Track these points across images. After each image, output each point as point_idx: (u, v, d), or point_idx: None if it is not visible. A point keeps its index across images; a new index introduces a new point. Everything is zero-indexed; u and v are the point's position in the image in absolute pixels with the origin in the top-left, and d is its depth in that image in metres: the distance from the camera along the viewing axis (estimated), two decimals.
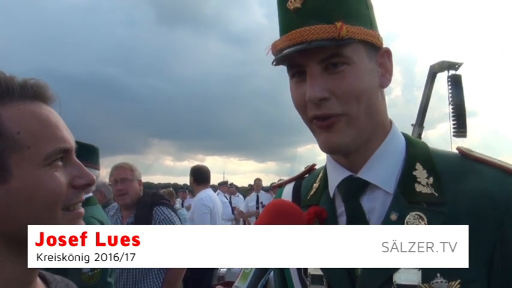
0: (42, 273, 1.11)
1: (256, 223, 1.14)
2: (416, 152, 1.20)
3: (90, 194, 3.12)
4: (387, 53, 1.20)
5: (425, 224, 1.07)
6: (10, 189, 0.91)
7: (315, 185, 1.35)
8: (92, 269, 2.79)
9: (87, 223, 2.67)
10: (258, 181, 13.06)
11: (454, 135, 9.56)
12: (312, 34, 1.07)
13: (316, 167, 1.49)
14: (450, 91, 9.50)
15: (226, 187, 14.37)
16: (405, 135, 1.26)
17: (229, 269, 9.10)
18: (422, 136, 10.06)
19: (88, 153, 3.16)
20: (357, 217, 1.17)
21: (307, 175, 1.48)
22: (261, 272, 1.05)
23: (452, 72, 9.58)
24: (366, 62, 1.13)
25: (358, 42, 1.10)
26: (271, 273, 1.13)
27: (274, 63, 1.17)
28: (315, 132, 1.18)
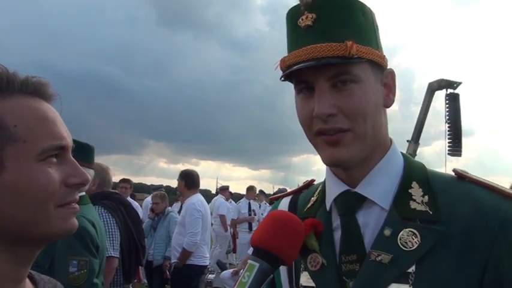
0: (31, 272, 1.09)
1: (257, 233, 1.15)
2: (413, 171, 1.22)
3: (83, 193, 3.10)
4: (391, 74, 1.23)
5: (418, 241, 1.08)
6: (2, 182, 0.90)
7: (312, 198, 1.36)
8: (79, 269, 2.78)
9: (78, 222, 2.67)
10: (252, 188, 13.09)
11: (449, 154, 9.61)
12: (322, 51, 1.09)
13: (315, 182, 1.50)
14: (447, 109, 9.56)
15: (228, 192, 14.43)
16: (404, 155, 1.28)
17: (217, 275, 9.09)
18: (418, 152, 10.09)
19: (83, 152, 3.15)
20: (352, 232, 1.18)
21: (305, 190, 1.48)
22: (258, 282, 1.05)
23: (450, 90, 9.65)
24: (372, 81, 1.16)
25: (366, 61, 1.13)
26: None
27: (282, 78, 1.19)
28: (318, 147, 1.19)
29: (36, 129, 0.95)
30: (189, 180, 6.80)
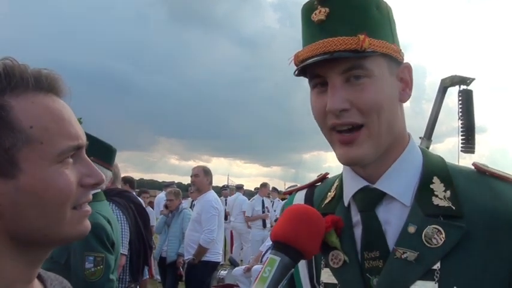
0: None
1: (277, 227, 1.14)
2: (433, 165, 1.22)
3: (98, 190, 3.13)
4: (408, 68, 1.22)
5: (443, 237, 1.09)
6: (19, 185, 0.88)
7: (329, 193, 1.36)
8: (95, 265, 2.81)
9: (93, 218, 2.69)
10: (265, 185, 13.06)
11: (462, 151, 9.50)
12: (335, 45, 1.09)
13: (329, 176, 1.49)
14: (460, 106, 9.44)
15: (243, 190, 14.55)
16: (422, 150, 1.27)
17: (229, 271, 9.12)
18: (430, 149, 9.96)
19: (105, 153, 3.16)
20: (373, 228, 1.18)
21: (319, 183, 1.48)
22: (280, 276, 1.04)
23: (463, 87, 9.52)
24: (387, 76, 1.15)
25: (380, 55, 1.12)
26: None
27: (296, 73, 1.19)
28: (333, 144, 1.19)
29: (52, 130, 0.92)
30: (211, 177, 6.92)
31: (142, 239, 4.48)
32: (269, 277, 1.03)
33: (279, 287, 1.04)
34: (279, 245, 1.08)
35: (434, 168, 1.21)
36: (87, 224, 1.00)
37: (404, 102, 1.23)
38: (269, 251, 1.11)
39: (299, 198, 1.46)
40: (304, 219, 1.12)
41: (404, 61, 1.23)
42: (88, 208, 1.00)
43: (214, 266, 6.92)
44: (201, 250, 6.50)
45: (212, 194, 6.88)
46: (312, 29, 1.16)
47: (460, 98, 9.47)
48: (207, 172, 6.88)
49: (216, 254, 6.77)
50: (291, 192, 1.53)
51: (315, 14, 1.14)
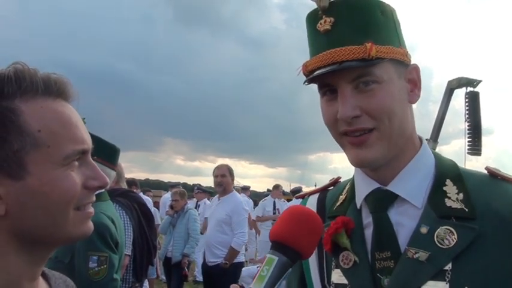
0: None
1: (274, 227, 1.14)
2: (445, 168, 1.23)
3: (102, 190, 3.13)
4: (415, 69, 1.23)
5: (455, 238, 1.09)
6: (26, 186, 0.91)
7: (341, 196, 1.37)
8: (99, 265, 2.82)
9: (97, 218, 2.70)
10: (278, 186, 13.03)
11: (468, 153, 9.48)
12: (343, 55, 1.10)
13: (341, 179, 1.50)
14: (467, 108, 9.42)
15: (248, 192, 14.65)
16: (434, 153, 1.28)
17: None
18: (436, 151, 9.95)
19: (109, 153, 3.23)
20: (385, 229, 1.19)
21: (331, 187, 1.49)
22: (277, 276, 1.05)
23: (470, 89, 9.50)
24: (396, 80, 1.16)
25: (388, 61, 1.13)
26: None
27: (306, 83, 1.21)
28: (344, 147, 1.20)
29: (60, 134, 0.95)
30: (233, 176, 6.79)
31: (146, 239, 4.48)
32: (267, 276, 1.04)
33: (276, 285, 1.04)
34: (277, 245, 1.09)
35: (446, 171, 1.22)
36: (90, 225, 1.03)
37: (413, 103, 1.24)
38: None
39: (312, 201, 1.47)
40: (302, 220, 1.12)
41: (411, 62, 1.23)
42: (91, 210, 1.03)
43: (241, 266, 6.87)
44: (234, 253, 6.35)
45: (238, 194, 6.83)
46: (319, 39, 1.16)
47: (466, 100, 9.45)
48: (231, 171, 6.64)
49: (242, 255, 6.82)
50: (304, 196, 1.55)
51: (320, 23, 1.15)
